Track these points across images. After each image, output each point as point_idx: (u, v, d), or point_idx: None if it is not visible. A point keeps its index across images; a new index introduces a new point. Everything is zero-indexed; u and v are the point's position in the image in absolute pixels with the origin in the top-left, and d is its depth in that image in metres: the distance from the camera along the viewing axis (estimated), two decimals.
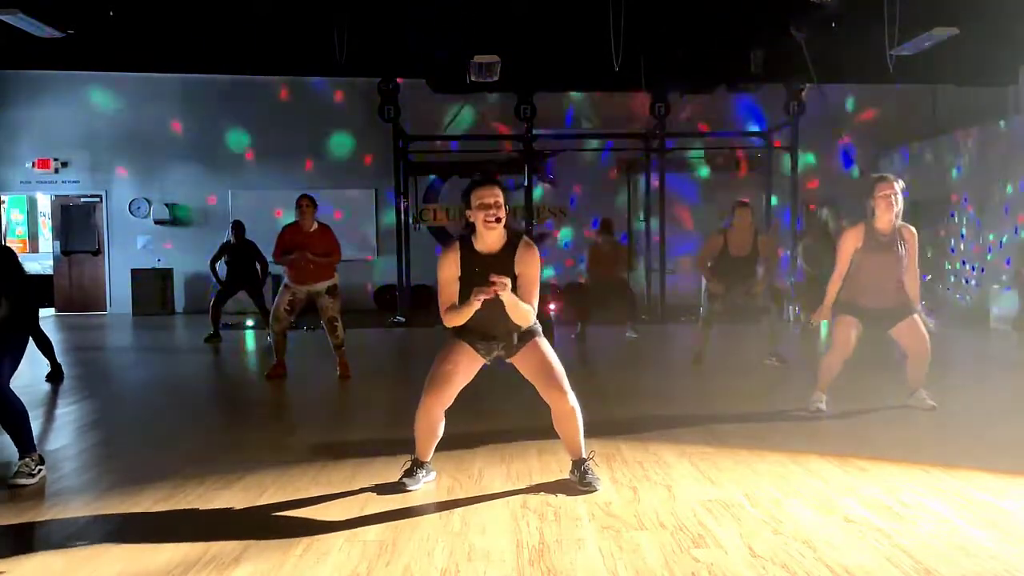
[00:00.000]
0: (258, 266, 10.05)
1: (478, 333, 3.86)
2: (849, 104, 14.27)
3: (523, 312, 3.76)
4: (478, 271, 3.71)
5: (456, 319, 3.79)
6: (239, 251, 9.99)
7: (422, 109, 13.48)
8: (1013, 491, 3.74)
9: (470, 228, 3.81)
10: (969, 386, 6.43)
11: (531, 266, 3.81)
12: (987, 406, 5.79)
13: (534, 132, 12.43)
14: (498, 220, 3.71)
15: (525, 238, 3.88)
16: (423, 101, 13.32)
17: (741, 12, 10.11)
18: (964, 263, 11.68)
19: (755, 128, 14.00)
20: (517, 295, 3.73)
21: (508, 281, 3.63)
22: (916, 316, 5.41)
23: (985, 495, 3.69)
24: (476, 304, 3.67)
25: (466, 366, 3.88)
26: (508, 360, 3.94)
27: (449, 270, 3.80)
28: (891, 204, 5.19)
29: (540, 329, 3.95)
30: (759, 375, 7.11)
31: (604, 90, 13.77)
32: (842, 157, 14.27)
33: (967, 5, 9.30)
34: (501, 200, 3.72)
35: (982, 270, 11.22)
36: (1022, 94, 12.40)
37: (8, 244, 4.72)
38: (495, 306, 3.71)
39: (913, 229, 5.39)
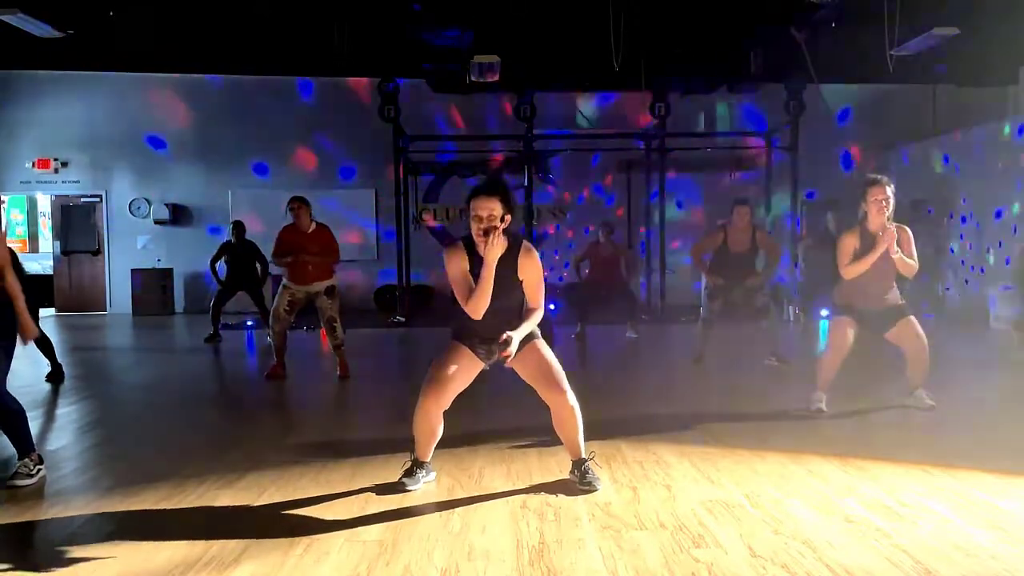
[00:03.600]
0: (258, 266, 10.05)
1: (480, 337, 3.87)
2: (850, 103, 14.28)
3: (533, 326, 3.86)
4: (479, 274, 3.74)
5: (480, 299, 3.73)
6: (239, 251, 9.99)
7: (422, 109, 13.49)
8: (1013, 491, 3.74)
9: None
10: (969, 386, 6.42)
11: (534, 271, 3.86)
12: (987, 406, 5.78)
13: (534, 132, 12.43)
14: (486, 233, 3.67)
15: (525, 243, 3.89)
16: (423, 101, 13.33)
17: (741, 12, 10.11)
18: (963, 263, 11.67)
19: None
20: (525, 298, 3.86)
21: (514, 346, 3.68)
22: (912, 318, 5.43)
23: (985, 495, 3.69)
24: (491, 267, 3.67)
25: (465, 369, 3.88)
26: (507, 364, 3.93)
27: (459, 265, 3.81)
28: (882, 208, 5.23)
29: (539, 332, 3.97)
30: (759, 375, 7.11)
31: (604, 90, 13.77)
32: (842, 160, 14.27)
33: (967, 5, 9.30)
34: (496, 212, 3.67)
35: (982, 270, 11.22)
36: (1022, 94, 12.39)
37: (8, 244, 4.62)
38: (499, 311, 3.77)
39: (907, 228, 5.39)
